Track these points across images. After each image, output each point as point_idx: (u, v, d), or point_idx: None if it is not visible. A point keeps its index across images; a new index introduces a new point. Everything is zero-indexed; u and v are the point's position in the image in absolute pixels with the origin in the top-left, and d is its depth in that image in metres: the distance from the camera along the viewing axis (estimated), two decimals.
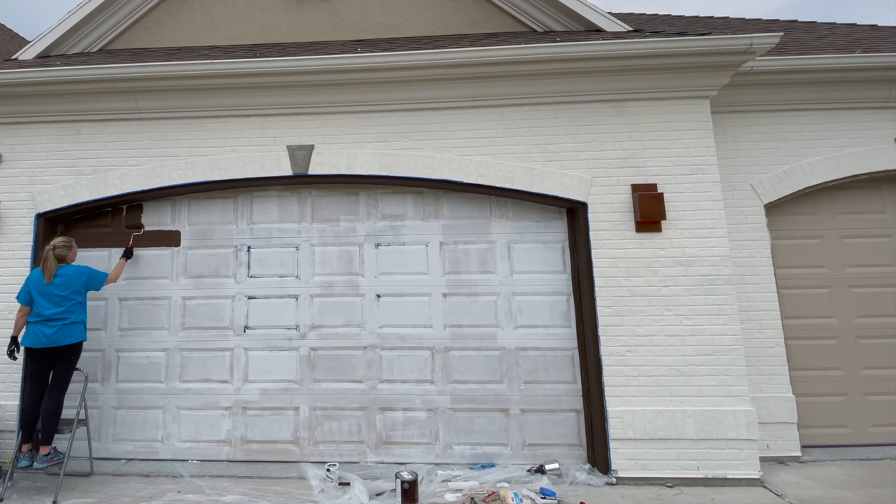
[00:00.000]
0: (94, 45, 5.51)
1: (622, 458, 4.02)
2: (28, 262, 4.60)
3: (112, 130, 4.78)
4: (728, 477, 3.93)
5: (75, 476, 4.14)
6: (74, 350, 4.03)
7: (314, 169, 4.58)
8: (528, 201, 4.56)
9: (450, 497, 3.71)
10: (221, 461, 4.46)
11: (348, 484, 3.85)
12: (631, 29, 4.94)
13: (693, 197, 4.31)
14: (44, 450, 3.88)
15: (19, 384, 4.43)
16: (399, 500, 3.60)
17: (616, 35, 4.72)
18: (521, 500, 3.58)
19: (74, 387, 4.07)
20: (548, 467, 4.09)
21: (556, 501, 3.63)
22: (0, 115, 4.81)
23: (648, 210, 4.23)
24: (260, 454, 4.47)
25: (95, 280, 4.17)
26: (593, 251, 4.29)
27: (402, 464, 4.28)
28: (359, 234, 4.73)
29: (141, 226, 4.83)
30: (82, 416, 4.13)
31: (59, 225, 4.85)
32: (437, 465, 4.27)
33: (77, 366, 4.08)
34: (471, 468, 4.20)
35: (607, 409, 4.08)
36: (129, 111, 4.74)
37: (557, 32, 5.12)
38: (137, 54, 5.19)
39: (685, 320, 4.15)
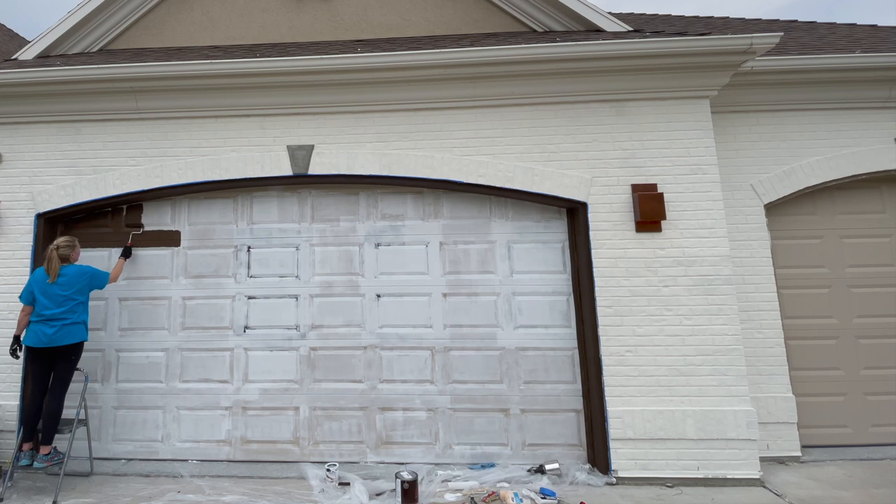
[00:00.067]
0: (94, 45, 5.51)
1: (622, 458, 4.02)
2: (28, 262, 4.60)
3: (112, 130, 4.78)
4: (728, 477, 3.93)
5: (75, 476, 4.14)
6: (75, 350, 4.03)
7: (314, 169, 4.58)
8: (528, 201, 4.56)
9: (450, 497, 3.71)
10: (221, 461, 4.46)
11: (348, 484, 3.85)
12: (631, 29, 4.94)
13: (693, 197, 4.31)
14: (44, 449, 3.88)
15: (19, 384, 4.43)
16: (399, 500, 3.60)
17: (616, 35, 4.72)
18: (521, 500, 3.58)
19: (74, 387, 4.07)
20: (548, 467, 4.09)
21: (556, 501, 3.63)
22: (0, 115, 4.81)
23: (648, 210, 4.23)
24: (260, 454, 4.47)
25: (98, 280, 4.18)
26: (593, 251, 4.29)
27: (402, 464, 4.28)
28: (359, 234, 4.73)
29: (140, 225, 4.83)
30: (82, 416, 4.13)
31: (60, 225, 4.85)
32: (437, 465, 4.27)
33: (77, 366, 4.08)
34: (471, 468, 4.20)
35: (607, 409, 4.08)
36: (129, 111, 4.74)
37: (557, 32, 5.12)
38: (137, 54, 5.19)
39: (685, 320, 4.15)
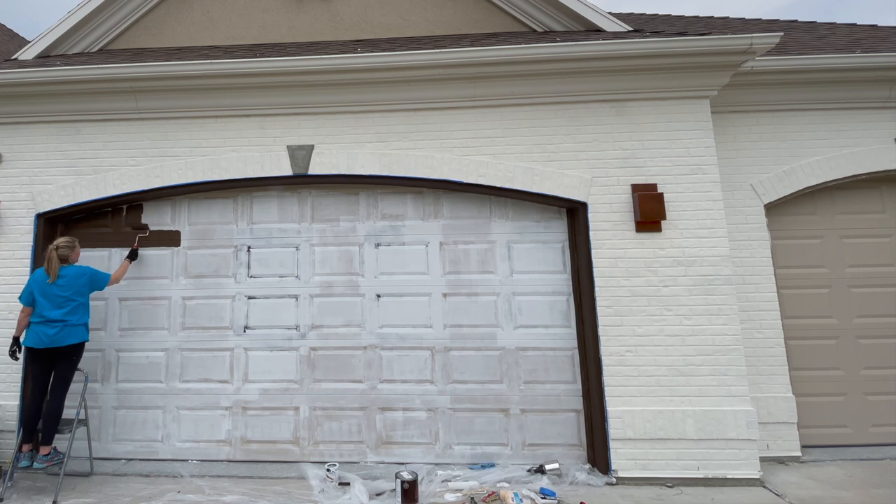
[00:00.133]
0: (94, 45, 5.51)
1: (622, 458, 4.02)
2: (28, 262, 4.60)
3: (112, 130, 4.78)
4: (728, 477, 3.93)
5: (75, 476, 4.14)
6: (76, 350, 4.03)
7: (314, 169, 4.58)
8: (528, 201, 4.56)
9: (450, 497, 3.71)
10: (221, 461, 4.46)
11: (348, 484, 3.85)
12: (631, 29, 4.94)
13: (693, 197, 4.31)
14: (44, 450, 3.88)
15: (19, 384, 4.43)
16: (399, 500, 3.60)
17: (616, 35, 4.72)
18: (521, 500, 3.58)
19: (74, 387, 4.06)
20: (548, 467, 4.09)
21: (556, 501, 3.63)
22: (0, 115, 4.81)
23: (648, 210, 4.23)
24: (260, 454, 4.47)
25: (98, 281, 4.17)
26: (593, 251, 4.29)
27: (402, 464, 4.28)
28: (359, 234, 4.73)
29: (146, 227, 4.82)
30: (82, 416, 4.13)
31: (59, 225, 4.85)
32: (437, 465, 4.27)
33: (78, 366, 4.08)
34: (471, 468, 4.20)
35: (607, 409, 4.08)
36: (129, 111, 4.74)
37: (557, 32, 5.12)
38: (137, 54, 5.19)
39: (685, 320, 4.15)
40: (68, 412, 4.01)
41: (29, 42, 6.13)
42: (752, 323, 4.52)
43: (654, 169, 4.38)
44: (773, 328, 4.54)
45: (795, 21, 6.47)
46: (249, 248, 4.77)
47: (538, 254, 4.58)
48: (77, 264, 4.18)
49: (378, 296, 4.63)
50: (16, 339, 4.08)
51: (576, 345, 4.41)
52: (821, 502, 3.65)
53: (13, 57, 5.36)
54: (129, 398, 4.62)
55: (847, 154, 4.75)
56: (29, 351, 4.00)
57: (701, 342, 4.11)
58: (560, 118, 4.52)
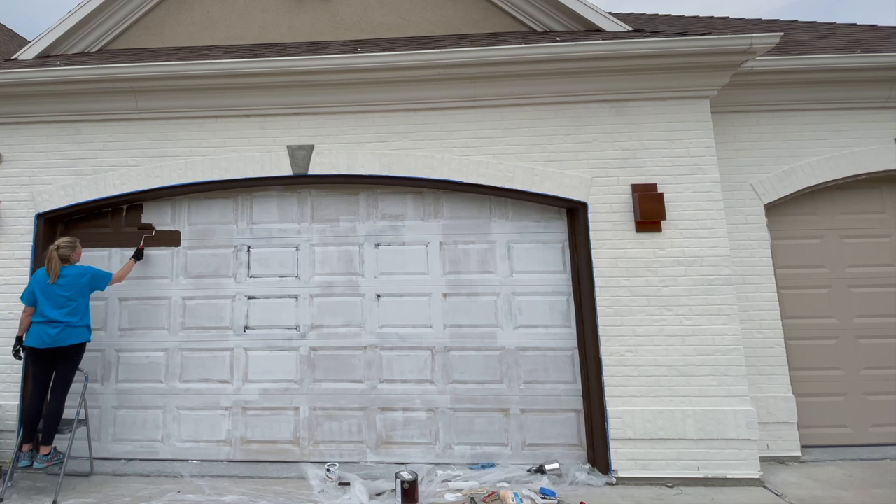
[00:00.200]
0: (94, 45, 5.51)
1: (622, 458, 4.02)
2: (28, 262, 4.60)
3: (112, 130, 4.78)
4: (728, 477, 3.93)
5: (75, 476, 4.14)
6: (77, 351, 4.03)
7: (314, 169, 4.58)
8: (528, 201, 4.56)
9: (450, 497, 3.71)
10: (221, 461, 4.46)
11: (348, 484, 3.85)
12: (631, 29, 4.94)
13: (693, 197, 4.31)
14: (44, 450, 3.88)
15: (19, 384, 4.43)
16: (399, 500, 3.60)
17: (616, 35, 4.72)
18: (521, 500, 3.58)
19: (74, 387, 4.06)
20: (548, 467, 4.08)
21: (556, 501, 3.63)
22: (0, 115, 4.81)
23: (648, 210, 4.23)
24: (260, 454, 4.47)
25: (99, 280, 4.17)
26: (593, 251, 4.29)
27: (402, 464, 4.28)
28: (359, 234, 4.73)
29: (151, 227, 4.81)
30: (82, 416, 4.13)
31: (60, 225, 4.85)
32: (437, 465, 4.27)
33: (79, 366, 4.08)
34: (471, 468, 4.20)
35: (607, 409, 4.08)
36: (129, 111, 4.74)
37: (557, 32, 5.12)
38: (137, 54, 5.19)
39: (685, 320, 4.15)
40: (68, 412, 4.01)
41: (29, 42, 6.13)
42: (752, 323, 4.52)
43: (654, 169, 4.38)
44: (773, 328, 4.54)
45: (795, 21, 6.47)
46: (249, 248, 4.77)
47: (538, 254, 4.58)
48: (79, 264, 4.18)
49: (378, 296, 4.63)
50: (19, 339, 4.09)
51: (576, 345, 4.41)
52: (821, 502, 3.65)
53: (13, 57, 5.36)
54: (129, 398, 4.62)
55: (847, 154, 4.75)
56: (30, 351, 3.99)
57: (701, 342, 4.11)
58: (560, 118, 4.52)
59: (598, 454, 4.12)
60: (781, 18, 6.60)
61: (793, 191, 4.73)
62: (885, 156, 4.74)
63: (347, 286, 4.66)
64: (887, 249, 4.84)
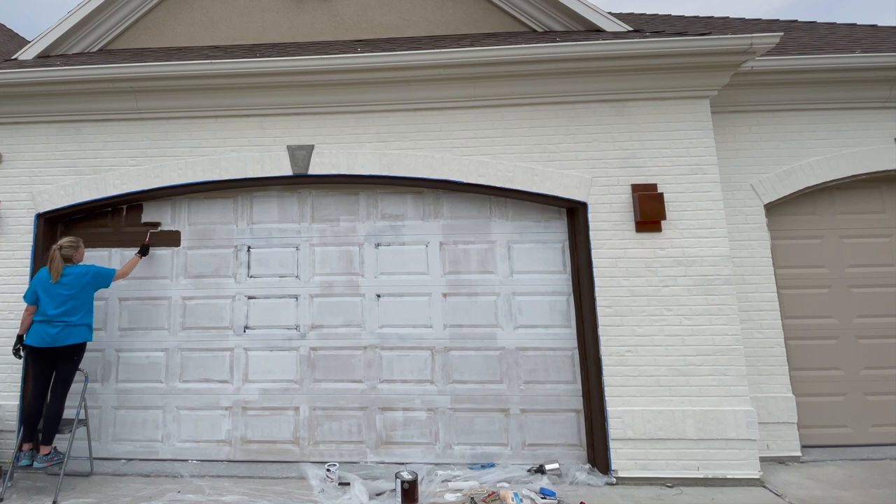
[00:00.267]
0: (94, 45, 5.51)
1: (622, 458, 4.02)
2: (28, 262, 4.60)
3: (112, 130, 4.78)
4: (728, 477, 3.93)
5: (75, 476, 4.14)
6: (78, 350, 4.03)
7: (314, 169, 4.58)
8: (528, 201, 4.56)
9: (450, 497, 3.71)
10: (221, 461, 4.46)
11: (348, 484, 3.85)
12: (631, 29, 4.94)
13: (693, 197, 4.31)
14: (44, 449, 3.88)
15: (19, 384, 4.43)
16: (399, 500, 3.60)
17: (616, 35, 4.72)
18: (521, 500, 3.58)
19: (74, 387, 4.07)
20: (548, 467, 4.08)
21: (556, 501, 3.63)
22: (0, 115, 4.81)
23: (648, 210, 4.23)
24: (260, 454, 4.47)
25: (102, 278, 4.17)
26: (593, 251, 4.29)
27: (402, 464, 4.28)
28: (359, 234, 4.73)
29: (157, 224, 4.81)
30: (82, 416, 4.13)
31: (60, 225, 4.86)
32: (437, 465, 4.27)
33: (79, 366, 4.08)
34: (471, 468, 4.20)
35: (607, 409, 4.08)
36: (129, 111, 4.74)
37: (557, 32, 5.12)
38: (137, 54, 5.19)
39: (685, 320, 4.15)
40: (68, 412, 4.02)
41: (29, 42, 6.13)
42: (752, 323, 4.52)
43: (654, 169, 4.38)
44: (773, 328, 4.54)
45: (795, 21, 6.47)
46: (249, 248, 4.77)
47: (538, 254, 4.58)
48: (82, 263, 4.18)
49: (378, 296, 4.63)
50: (20, 338, 4.09)
51: (576, 345, 4.41)
52: (821, 502, 3.65)
53: (13, 57, 5.36)
54: (129, 398, 4.62)
55: (847, 154, 4.75)
56: (31, 350, 3.99)
57: (701, 342, 4.11)
58: (560, 118, 4.52)
59: (598, 454, 4.12)
60: (781, 18, 6.60)
61: (793, 191, 4.73)
62: (885, 156, 4.74)
63: (347, 286, 4.66)
64: (887, 249, 4.84)
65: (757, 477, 3.93)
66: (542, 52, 4.33)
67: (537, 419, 4.37)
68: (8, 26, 9.41)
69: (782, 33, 4.34)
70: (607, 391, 4.10)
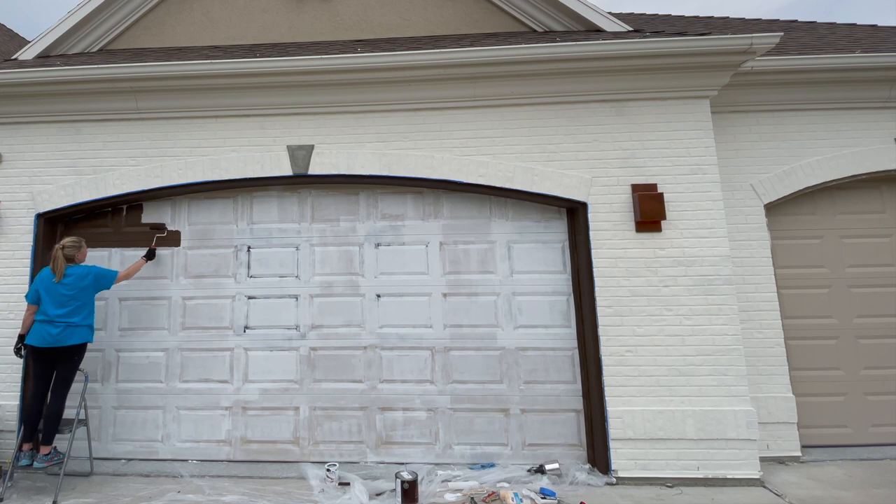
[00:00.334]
0: (94, 45, 5.51)
1: (622, 458, 4.02)
2: (28, 262, 4.60)
3: (112, 130, 4.78)
4: (728, 477, 3.93)
5: (75, 476, 4.14)
6: (78, 350, 4.03)
7: (314, 169, 4.58)
8: (528, 201, 4.56)
9: (450, 497, 3.71)
10: (221, 461, 4.46)
11: (348, 484, 3.85)
12: (631, 29, 4.94)
13: (693, 197, 4.31)
14: (44, 449, 3.88)
15: (20, 384, 4.43)
16: (399, 500, 3.60)
17: (616, 35, 4.72)
18: (521, 500, 3.58)
19: (74, 387, 4.06)
20: (548, 467, 4.08)
21: (556, 501, 3.63)
22: (0, 115, 4.81)
23: (648, 210, 4.23)
24: (260, 454, 4.47)
25: (103, 279, 4.15)
26: (593, 251, 4.29)
27: (402, 464, 4.28)
28: (359, 234, 4.73)
29: (163, 227, 4.79)
30: (82, 416, 4.13)
31: (60, 225, 4.86)
32: (437, 465, 4.27)
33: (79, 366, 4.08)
34: (471, 468, 4.20)
35: (607, 409, 4.08)
36: (129, 111, 4.74)
37: (557, 32, 5.12)
38: (137, 54, 5.19)
39: (685, 320, 4.15)
40: (68, 412, 4.01)
41: (29, 42, 6.14)
42: (752, 323, 4.52)
43: (654, 169, 4.38)
44: (773, 328, 4.54)
45: (795, 21, 6.47)
46: (249, 248, 4.77)
47: (538, 254, 4.58)
48: (84, 264, 4.18)
49: (378, 296, 4.63)
50: (21, 337, 4.09)
51: (576, 345, 4.41)
52: (821, 502, 3.65)
53: (13, 57, 5.36)
54: (129, 398, 4.62)
55: (847, 154, 4.75)
56: (31, 350, 3.98)
57: (701, 342, 4.11)
58: (560, 118, 4.52)
59: (598, 454, 4.12)
60: (781, 18, 6.60)
61: (793, 191, 4.73)
62: (885, 156, 4.74)
63: (347, 286, 4.66)
64: (887, 249, 4.84)
65: (757, 477, 3.93)
66: (542, 52, 4.33)
67: (537, 419, 4.37)
68: (8, 26, 9.41)
69: (782, 33, 4.34)
70: (607, 391, 4.11)
